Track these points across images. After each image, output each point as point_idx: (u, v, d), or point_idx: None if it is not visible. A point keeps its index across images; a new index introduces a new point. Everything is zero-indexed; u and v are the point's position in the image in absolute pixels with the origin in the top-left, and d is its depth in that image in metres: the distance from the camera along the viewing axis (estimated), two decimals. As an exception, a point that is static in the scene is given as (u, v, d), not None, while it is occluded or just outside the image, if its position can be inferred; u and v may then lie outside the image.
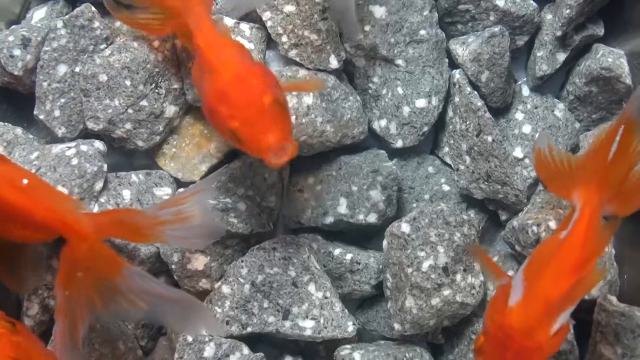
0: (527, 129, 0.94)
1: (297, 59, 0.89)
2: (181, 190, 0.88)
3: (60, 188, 0.81)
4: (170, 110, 0.90)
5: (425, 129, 0.92)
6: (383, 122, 0.92)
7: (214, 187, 0.84)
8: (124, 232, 0.74)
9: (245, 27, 0.91)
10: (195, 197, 0.73)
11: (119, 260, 0.72)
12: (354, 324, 0.84)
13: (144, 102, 0.88)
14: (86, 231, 0.69)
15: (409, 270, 0.83)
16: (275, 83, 0.71)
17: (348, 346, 0.85)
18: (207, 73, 0.71)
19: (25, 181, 0.70)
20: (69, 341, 0.71)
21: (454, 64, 0.93)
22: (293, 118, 0.86)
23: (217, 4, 0.92)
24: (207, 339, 0.81)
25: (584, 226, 0.69)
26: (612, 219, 0.73)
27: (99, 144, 0.87)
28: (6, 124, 0.91)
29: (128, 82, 0.88)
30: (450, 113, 0.93)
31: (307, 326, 0.83)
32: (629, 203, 0.73)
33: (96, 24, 0.90)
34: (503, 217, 0.93)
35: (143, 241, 0.83)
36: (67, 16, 0.89)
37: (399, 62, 0.91)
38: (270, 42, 0.92)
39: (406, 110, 0.91)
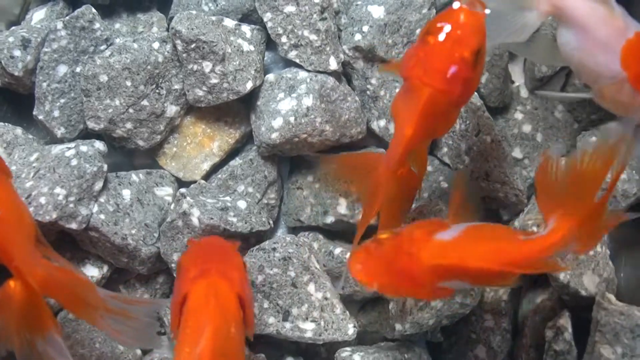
0: (527, 128, 0.94)
1: (297, 61, 0.89)
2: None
3: (59, 189, 0.81)
4: (172, 110, 0.91)
5: (423, 128, 0.92)
6: (382, 122, 0.92)
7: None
8: (68, 298, 0.73)
9: (246, 28, 0.91)
10: (149, 305, 0.76)
11: (48, 323, 0.72)
12: (354, 327, 0.83)
13: (144, 102, 0.89)
14: (33, 286, 0.69)
15: (408, 270, 0.83)
16: None
17: (348, 348, 0.85)
18: None
19: None
20: None
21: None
22: (292, 119, 0.86)
23: (217, 5, 0.93)
24: (206, 339, 0.81)
25: (543, 247, 0.64)
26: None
27: (99, 144, 0.86)
28: (6, 124, 0.91)
29: (129, 83, 0.88)
30: (448, 112, 0.93)
31: (308, 328, 0.83)
32: (586, 243, 0.67)
33: (97, 25, 0.90)
34: (505, 217, 0.93)
35: (79, 315, 0.81)
36: (67, 17, 0.89)
37: (398, 63, 0.91)
38: (269, 43, 0.93)
39: (404, 110, 0.91)
